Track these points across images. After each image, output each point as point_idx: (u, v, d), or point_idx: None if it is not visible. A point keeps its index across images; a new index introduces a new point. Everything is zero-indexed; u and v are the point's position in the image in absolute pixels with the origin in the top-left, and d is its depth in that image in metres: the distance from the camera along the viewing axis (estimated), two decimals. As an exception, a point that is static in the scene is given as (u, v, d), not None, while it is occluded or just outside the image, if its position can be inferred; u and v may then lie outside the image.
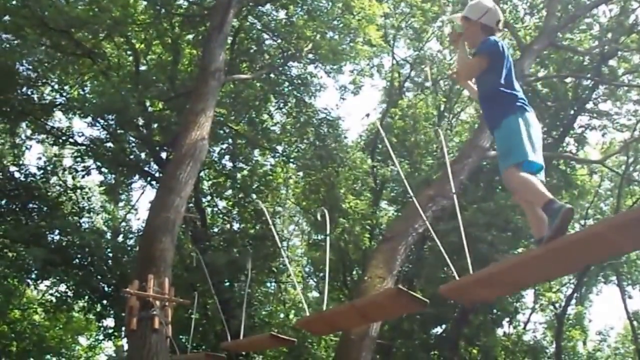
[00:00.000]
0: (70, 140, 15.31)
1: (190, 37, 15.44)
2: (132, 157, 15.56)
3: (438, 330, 16.57)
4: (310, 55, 15.24)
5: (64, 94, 15.24)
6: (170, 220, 8.69)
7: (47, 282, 15.39)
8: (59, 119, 15.94)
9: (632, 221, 2.99)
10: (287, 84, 16.03)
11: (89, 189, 17.20)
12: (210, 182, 16.88)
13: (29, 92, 14.21)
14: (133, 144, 15.54)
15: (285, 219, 18.79)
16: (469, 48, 4.25)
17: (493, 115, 4.09)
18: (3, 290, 15.03)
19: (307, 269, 19.57)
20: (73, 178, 15.83)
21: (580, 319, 19.74)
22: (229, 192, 16.67)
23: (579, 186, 16.45)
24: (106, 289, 14.10)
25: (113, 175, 16.23)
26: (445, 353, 15.04)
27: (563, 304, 18.51)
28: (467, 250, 4.10)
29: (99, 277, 13.86)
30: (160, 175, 14.49)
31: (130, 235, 16.28)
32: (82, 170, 15.22)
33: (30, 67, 13.81)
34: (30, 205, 14.31)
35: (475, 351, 16.32)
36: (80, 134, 15.12)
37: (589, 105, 15.85)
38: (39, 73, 14.13)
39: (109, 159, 15.05)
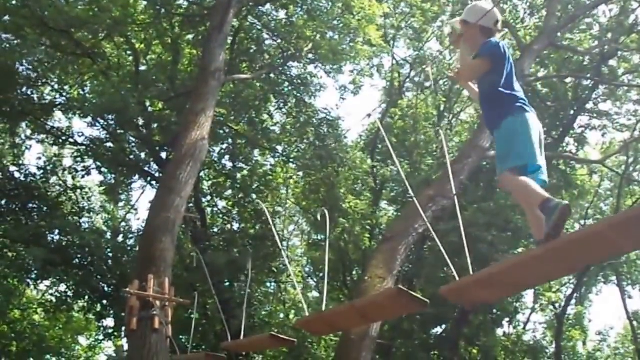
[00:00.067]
0: (70, 140, 15.32)
1: (190, 37, 15.44)
2: (132, 157, 15.56)
3: (438, 330, 16.58)
4: (310, 55, 15.24)
5: (64, 94, 15.24)
6: (170, 220, 8.69)
7: (47, 282, 15.41)
8: (59, 119, 15.97)
9: (632, 220, 2.99)
10: (287, 84, 16.02)
11: (89, 189, 17.20)
12: (210, 182, 16.88)
13: (29, 92, 14.22)
14: (133, 144, 15.54)
15: (285, 219, 18.78)
16: (469, 50, 4.26)
17: (493, 116, 4.10)
18: (3, 290, 15.03)
19: (307, 269, 19.58)
20: (73, 178, 15.83)
21: (580, 319, 19.74)
22: (229, 192, 16.66)
23: (579, 186, 16.45)
24: (106, 289, 14.11)
25: (113, 175, 16.23)
26: (445, 353, 15.04)
27: (563, 304, 18.51)
28: (467, 251, 4.10)
29: (99, 277, 13.86)
30: (160, 175, 14.49)
31: (130, 235, 16.29)
32: (82, 170, 15.23)
33: (30, 67, 13.81)
34: (30, 205, 14.31)
35: (475, 351, 16.32)
36: (80, 134, 15.16)
37: (589, 105, 15.86)
38: (39, 73, 14.13)
39: (109, 159, 15.05)
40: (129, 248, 14.87)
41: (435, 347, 15.77)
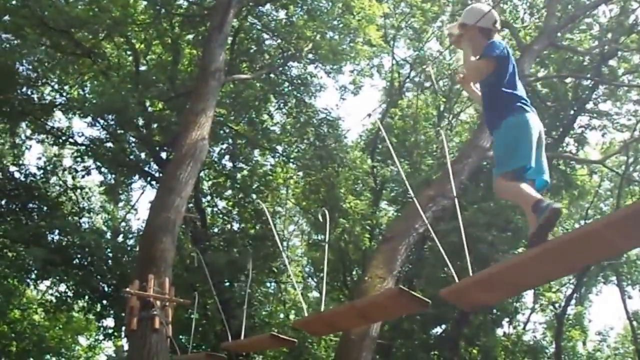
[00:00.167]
0: (70, 140, 15.33)
1: (190, 37, 15.44)
2: (132, 157, 15.57)
3: (438, 330, 16.57)
4: (310, 55, 15.24)
5: (64, 94, 15.25)
6: (170, 220, 8.69)
7: (47, 282, 15.42)
8: (59, 119, 15.98)
9: (628, 218, 2.98)
10: (287, 84, 16.03)
11: (89, 189, 17.22)
12: (210, 182, 16.88)
13: (29, 92, 14.23)
14: (133, 144, 15.55)
15: (285, 219, 18.79)
16: (470, 52, 4.26)
17: (493, 116, 4.09)
18: (3, 290, 15.03)
19: (307, 269, 19.57)
20: (73, 178, 15.84)
21: (580, 319, 19.74)
22: (229, 192, 16.66)
23: (579, 186, 16.45)
24: (106, 289, 14.11)
25: (113, 175, 16.24)
26: (445, 353, 15.04)
27: (563, 304, 18.51)
28: (467, 252, 4.09)
29: (99, 277, 13.87)
30: (160, 175, 14.49)
31: (130, 235, 16.31)
32: (82, 170, 15.25)
33: (30, 67, 13.82)
34: (30, 205, 14.32)
35: (475, 351, 16.32)
36: (80, 134, 15.18)
37: (589, 105, 15.85)
38: (39, 73, 14.14)
39: (109, 159, 15.06)
40: (129, 248, 14.88)
41: (435, 347, 15.77)
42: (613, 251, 3.78)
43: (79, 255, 13.85)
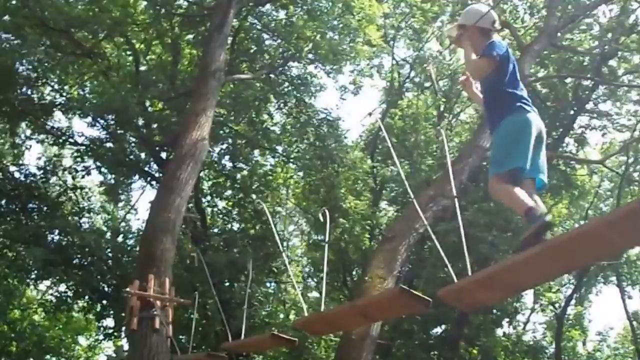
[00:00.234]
0: (70, 140, 15.31)
1: (190, 37, 15.44)
2: (132, 157, 15.56)
3: (438, 330, 16.56)
4: (310, 56, 15.24)
5: (64, 94, 15.23)
6: (170, 220, 8.70)
7: (47, 282, 15.42)
8: (58, 119, 15.95)
9: (627, 217, 2.98)
10: (287, 84, 16.03)
11: (89, 189, 17.19)
12: (210, 182, 16.87)
13: (29, 92, 14.22)
14: (133, 144, 15.54)
15: (285, 219, 18.78)
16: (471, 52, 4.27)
17: (494, 116, 4.09)
18: (3, 290, 15.02)
19: (307, 269, 19.57)
20: (73, 178, 15.82)
21: (580, 319, 19.75)
22: (229, 192, 16.66)
23: (579, 186, 16.45)
24: (106, 289, 14.11)
25: (113, 175, 16.23)
26: (445, 353, 15.03)
27: (563, 304, 18.50)
28: (466, 253, 4.08)
29: (99, 277, 13.87)
30: (160, 175, 14.50)
31: (130, 235, 16.29)
32: (82, 170, 15.23)
33: (30, 67, 13.80)
34: (30, 205, 14.31)
35: (475, 351, 16.30)
36: (80, 134, 15.14)
37: (589, 106, 15.85)
38: (39, 73, 14.12)
39: (109, 159, 15.05)
40: (129, 248, 14.88)
41: (435, 347, 15.76)
42: (613, 250, 3.79)
43: (79, 256, 13.85)
